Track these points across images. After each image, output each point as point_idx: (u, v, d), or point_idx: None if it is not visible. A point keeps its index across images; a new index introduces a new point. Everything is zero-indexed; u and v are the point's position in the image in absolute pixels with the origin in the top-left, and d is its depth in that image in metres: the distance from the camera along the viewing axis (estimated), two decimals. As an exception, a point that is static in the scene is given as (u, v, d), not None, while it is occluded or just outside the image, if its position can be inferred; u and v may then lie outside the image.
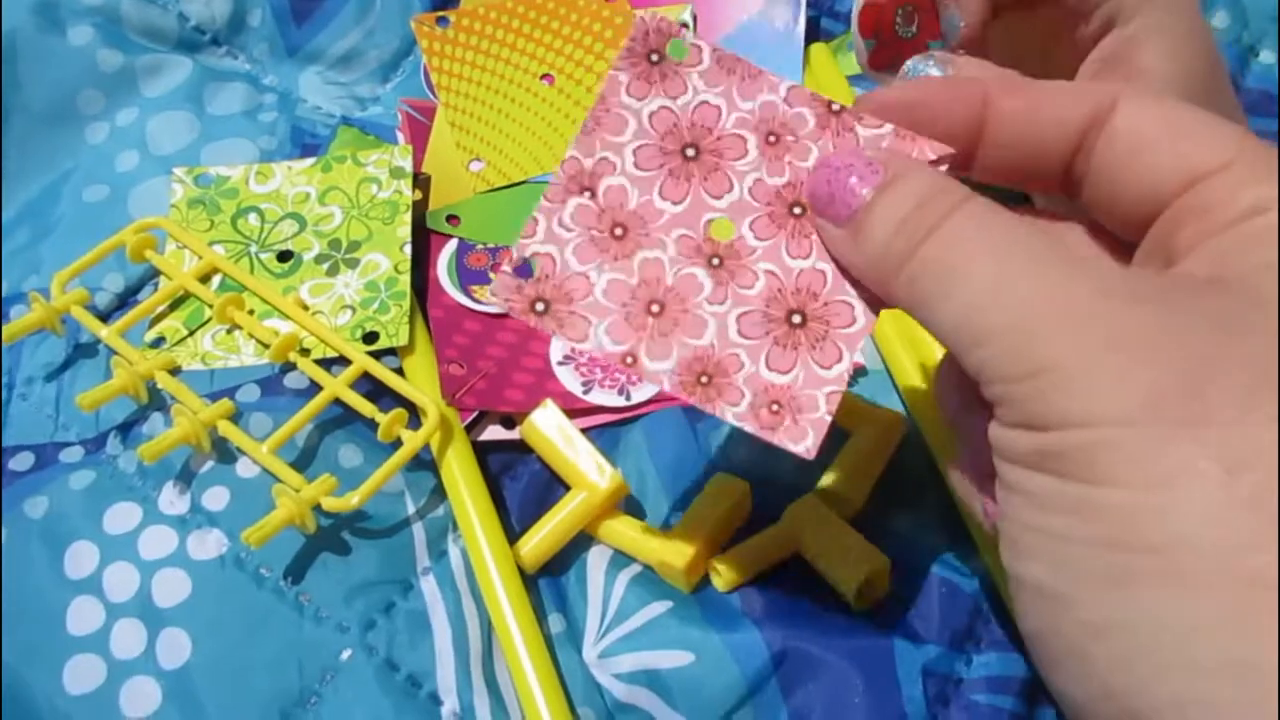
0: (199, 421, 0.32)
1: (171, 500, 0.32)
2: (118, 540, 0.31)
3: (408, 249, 0.36)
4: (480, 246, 0.38)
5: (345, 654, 0.30)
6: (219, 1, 0.43)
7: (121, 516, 0.32)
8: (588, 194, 0.25)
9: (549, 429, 0.32)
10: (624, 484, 0.31)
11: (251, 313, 0.35)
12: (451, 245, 0.38)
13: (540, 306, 0.25)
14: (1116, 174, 0.22)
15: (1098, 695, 0.19)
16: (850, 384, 0.35)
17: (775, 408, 0.25)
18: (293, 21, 0.43)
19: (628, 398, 0.34)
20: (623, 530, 0.32)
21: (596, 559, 0.32)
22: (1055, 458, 0.19)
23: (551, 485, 0.33)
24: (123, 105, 0.41)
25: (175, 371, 0.34)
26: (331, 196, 0.38)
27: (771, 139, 0.25)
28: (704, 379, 0.25)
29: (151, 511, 0.32)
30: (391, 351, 0.35)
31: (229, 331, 0.35)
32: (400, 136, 0.40)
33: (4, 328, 0.34)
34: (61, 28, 0.42)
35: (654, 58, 0.25)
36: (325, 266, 0.36)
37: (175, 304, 0.36)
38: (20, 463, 0.33)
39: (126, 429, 0.34)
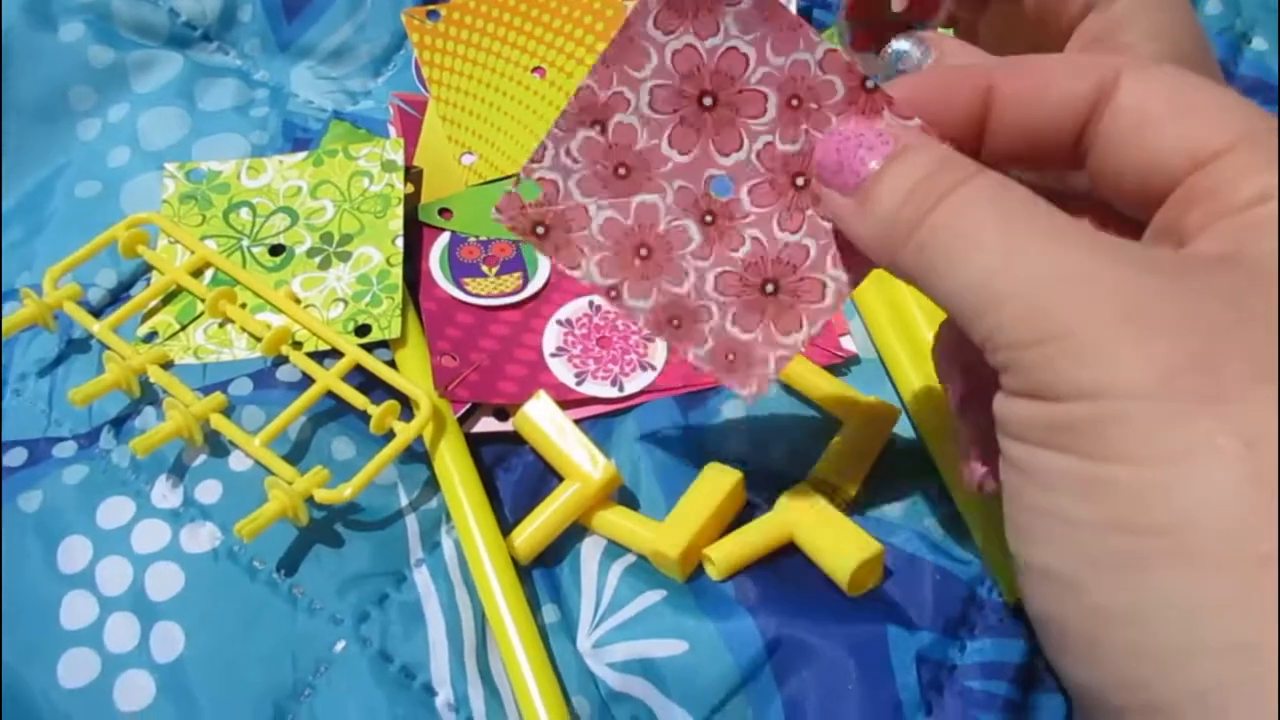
0: (191, 415, 0.32)
1: (164, 494, 0.32)
2: (111, 534, 0.31)
3: (399, 242, 0.36)
4: (473, 239, 0.38)
5: (339, 646, 0.30)
6: (210, -3, 0.43)
7: (114, 510, 0.32)
8: (598, 128, 0.25)
9: (542, 420, 0.32)
10: (617, 474, 0.31)
11: (244, 306, 0.35)
12: (444, 238, 0.38)
13: (540, 230, 0.26)
14: (1121, 152, 0.22)
15: (1111, 684, 0.18)
16: (843, 372, 0.35)
17: (731, 357, 0.27)
18: (284, 16, 0.43)
19: (620, 389, 0.34)
20: (616, 520, 0.32)
21: (590, 549, 0.32)
22: (1063, 431, 0.19)
23: (545, 476, 0.33)
24: (114, 101, 0.41)
25: (168, 366, 0.34)
26: (323, 190, 0.38)
27: (794, 102, 0.24)
28: (675, 322, 0.27)
29: (144, 505, 0.32)
30: (384, 344, 0.35)
31: (221, 325, 0.35)
32: (392, 130, 0.40)
33: (-4, 324, 0.35)
34: (53, 24, 0.42)
35: None
36: (317, 260, 0.36)
37: (167, 299, 0.36)
38: (13, 458, 0.33)
39: (119, 423, 0.34)
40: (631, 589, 0.31)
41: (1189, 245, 0.21)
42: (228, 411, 0.33)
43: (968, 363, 0.26)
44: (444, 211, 0.38)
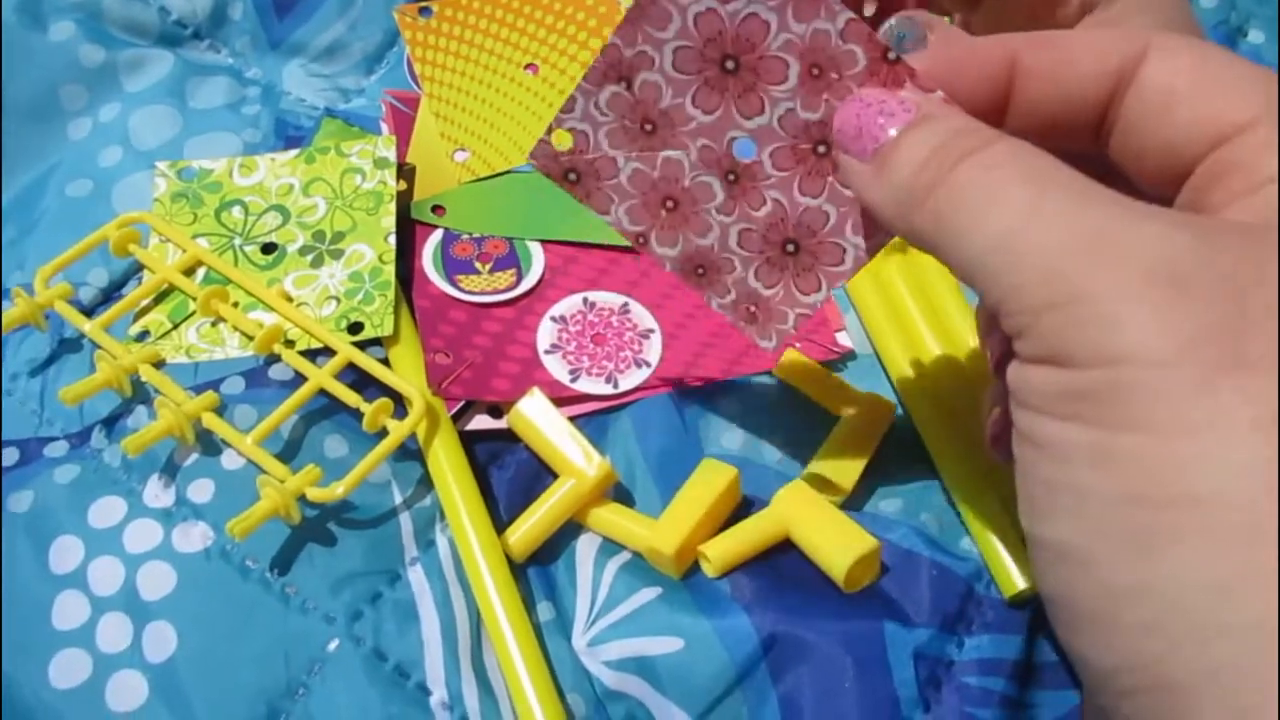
0: (183, 414, 0.32)
1: (156, 493, 0.32)
2: (103, 534, 0.31)
3: (392, 239, 0.36)
4: (466, 236, 0.38)
5: (332, 645, 0.30)
6: (201, -5, 0.43)
7: (106, 510, 0.31)
8: (624, 84, 0.26)
9: (536, 417, 0.32)
10: (612, 472, 0.31)
11: (236, 305, 0.35)
12: (437, 235, 0.37)
13: (572, 176, 0.28)
14: (1144, 130, 0.22)
15: (1122, 663, 0.18)
16: (839, 368, 0.35)
17: (752, 309, 0.28)
18: (275, 14, 0.43)
19: (615, 385, 0.34)
20: (611, 518, 0.31)
21: (585, 547, 0.32)
22: (1079, 399, 0.18)
23: (539, 474, 0.33)
24: (105, 100, 0.41)
25: (159, 365, 0.34)
26: (315, 188, 0.37)
27: (815, 71, 0.24)
28: (700, 270, 0.28)
29: (136, 505, 0.32)
30: (377, 342, 0.35)
31: (213, 324, 0.35)
32: (384, 127, 0.40)
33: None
34: (43, 23, 0.41)
35: None
36: (309, 258, 0.36)
37: (159, 298, 0.36)
38: (5, 458, 0.33)
39: (111, 423, 0.34)
40: (627, 586, 0.30)
41: (1221, 216, 0.20)
42: (220, 410, 0.33)
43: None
44: (437, 208, 0.38)
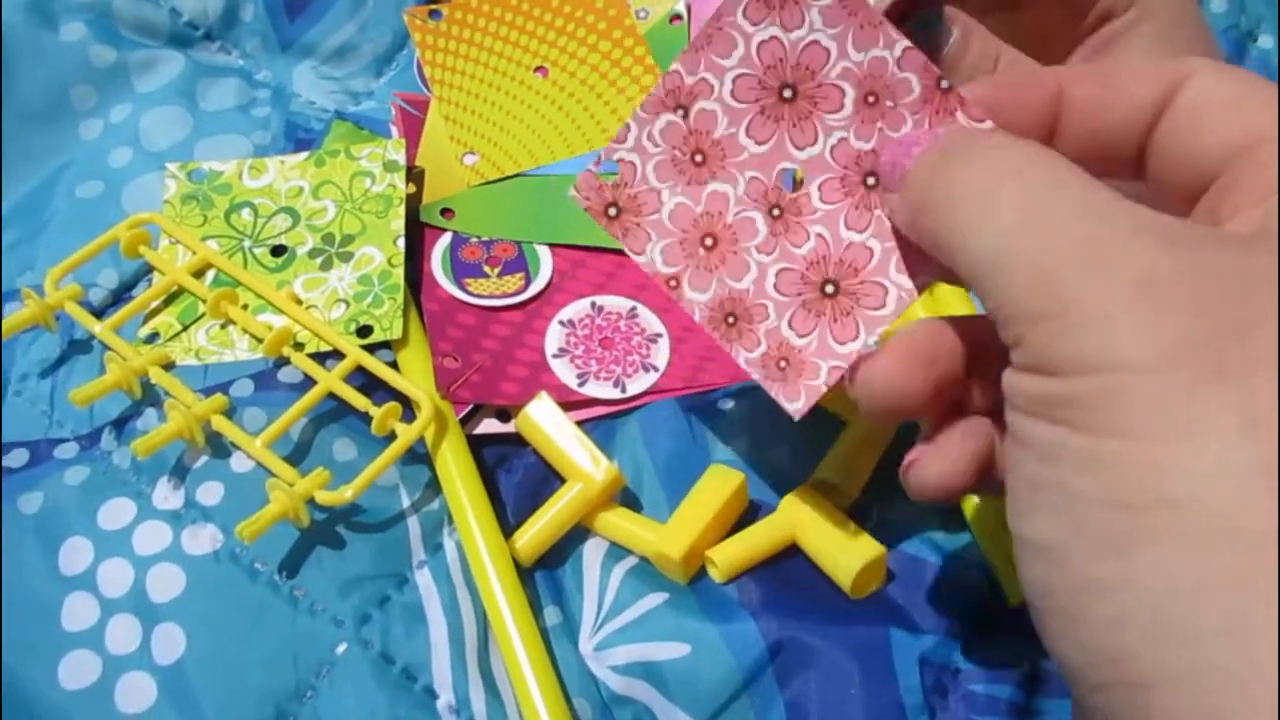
0: (193, 416, 0.32)
1: (166, 495, 0.32)
2: (112, 536, 0.31)
3: (401, 242, 0.36)
4: (474, 239, 0.38)
5: (340, 648, 0.30)
6: (212, -4, 0.43)
7: (116, 512, 0.32)
8: (680, 112, 0.26)
9: (544, 421, 0.32)
10: (620, 476, 0.31)
11: (245, 307, 0.35)
12: (446, 238, 0.38)
13: (613, 211, 0.27)
14: (1173, 145, 0.22)
15: (1095, 659, 0.18)
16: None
17: (782, 364, 0.27)
18: (285, 16, 0.43)
19: (623, 390, 0.34)
20: (619, 522, 0.31)
21: (592, 551, 0.32)
22: (1068, 404, 0.18)
23: (547, 478, 0.33)
24: (116, 101, 0.41)
25: (169, 367, 0.34)
26: (325, 191, 0.38)
27: (870, 99, 0.24)
28: (730, 319, 0.27)
29: (146, 507, 0.32)
30: (385, 345, 0.35)
31: (223, 326, 0.35)
32: (394, 130, 0.40)
33: (-2, 325, 0.34)
34: (54, 24, 0.41)
35: None
36: (319, 261, 0.36)
37: (169, 299, 0.36)
38: (15, 459, 0.33)
39: (121, 424, 0.34)
40: (634, 591, 0.30)
41: (1223, 226, 0.21)
42: (229, 413, 0.33)
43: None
44: (446, 211, 0.38)
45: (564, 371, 0.35)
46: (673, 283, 0.27)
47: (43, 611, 0.30)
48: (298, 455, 0.33)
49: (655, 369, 0.35)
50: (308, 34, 0.43)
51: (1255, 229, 0.20)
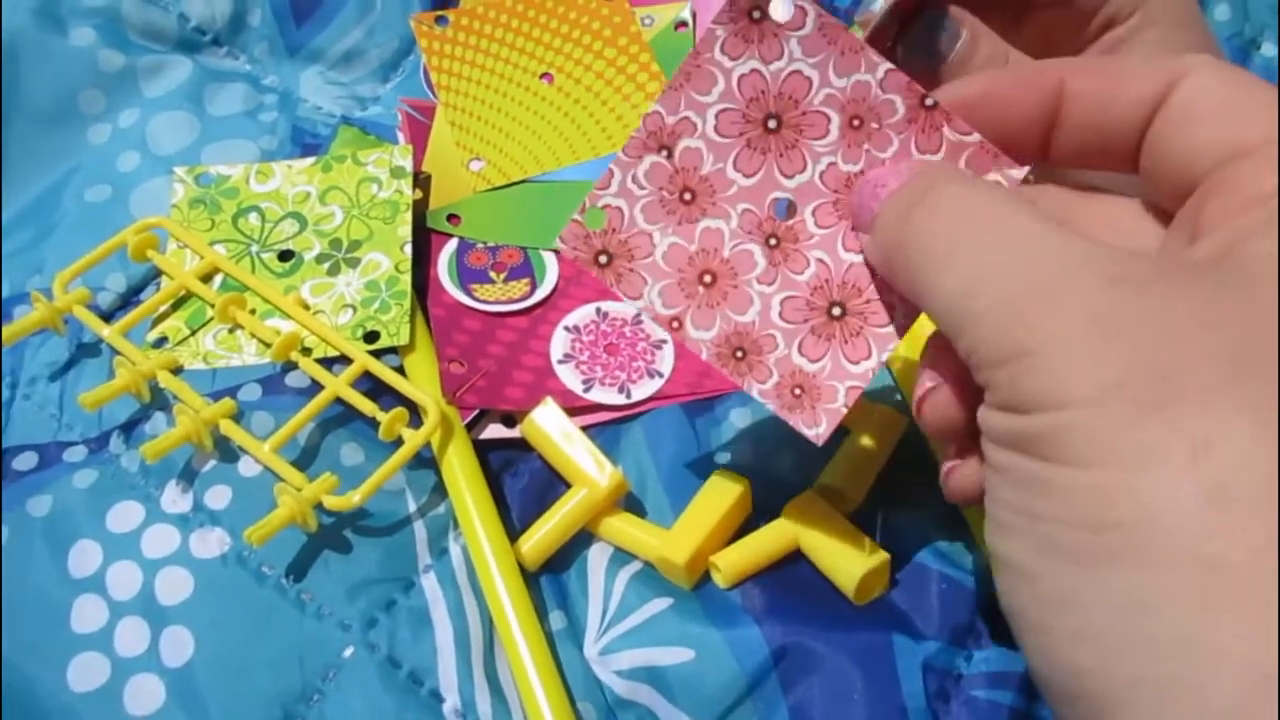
0: (201, 420, 0.32)
1: (174, 499, 0.32)
2: (121, 539, 0.31)
3: (408, 248, 0.36)
4: (480, 245, 0.38)
5: (347, 651, 0.30)
6: (219, 2, 0.43)
7: (124, 515, 0.32)
8: (664, 152, 0.25)
9: (549, 427, 0.32)
10: (624, 481, 0.32)
11: (253, 312, 0.35)
12: (452, 244, 0.38)
13: (604, 259, 0.26)
14: (1165, 145, 0.22)
15: (1060, 672, 0.19)
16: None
17: (798, 392, 0.26)
18: (293, 21, 0.43)
19: (628, 396, 0.34)
20: (623, 527, 0.32)
21: (597, 556, 0.32)
22: (1031, 440, 0.20)
23: (552, 483, 0.33)
24: (124, 105, 0.41)
25: (177, 371, 0.34)
26: (332, 196, 0.38)
27: (856, 123, 0.25)
28: (739, 354, 0.26)
29: (154, 510, 0.32)
30: (392, 350, 0.35)
31: (231, 331, 0.35)
32: (400, 136, 0.41)
33: (7, 327, 0.35)
34: (63, 28, 0.42)
35: (755, 14, 0.24)
36: (326, 266, 0.36)
37: (177, 304, 0.36)
38: (24, 462, 0.33)
39: (129, 428, 0.34)
40: (638, 596, 0.31)
41: (1197, 241, 0.21)
42: (237, 417, 0.33)
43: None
44: (452, 217, 0.38)
45: (569, 377, 0.35)
46: (675, 324, 0.26)
47: (52, 613, 0.30)
48: (305, 460, 0.33)
49: (660, 375, 0.35)
50: (315, 39, 0.43)
51: (1216, 253, 0.20)
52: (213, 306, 0.35)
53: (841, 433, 0.33)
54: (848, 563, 0.30)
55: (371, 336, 0.34)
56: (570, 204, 0.39)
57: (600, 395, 0.34)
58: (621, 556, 0.32)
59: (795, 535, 0.31)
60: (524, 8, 0.43)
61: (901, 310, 0.26)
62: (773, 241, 0.26)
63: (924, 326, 0.35)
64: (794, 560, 0.31)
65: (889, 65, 0.24)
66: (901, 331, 0.26)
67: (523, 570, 0.31)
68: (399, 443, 0.32)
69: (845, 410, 0.26)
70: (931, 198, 0.22)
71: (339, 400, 0.33)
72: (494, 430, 0.34)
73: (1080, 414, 0.19)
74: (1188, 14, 0.30)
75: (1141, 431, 0.18)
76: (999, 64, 0.27)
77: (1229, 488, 0.17)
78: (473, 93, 0.41)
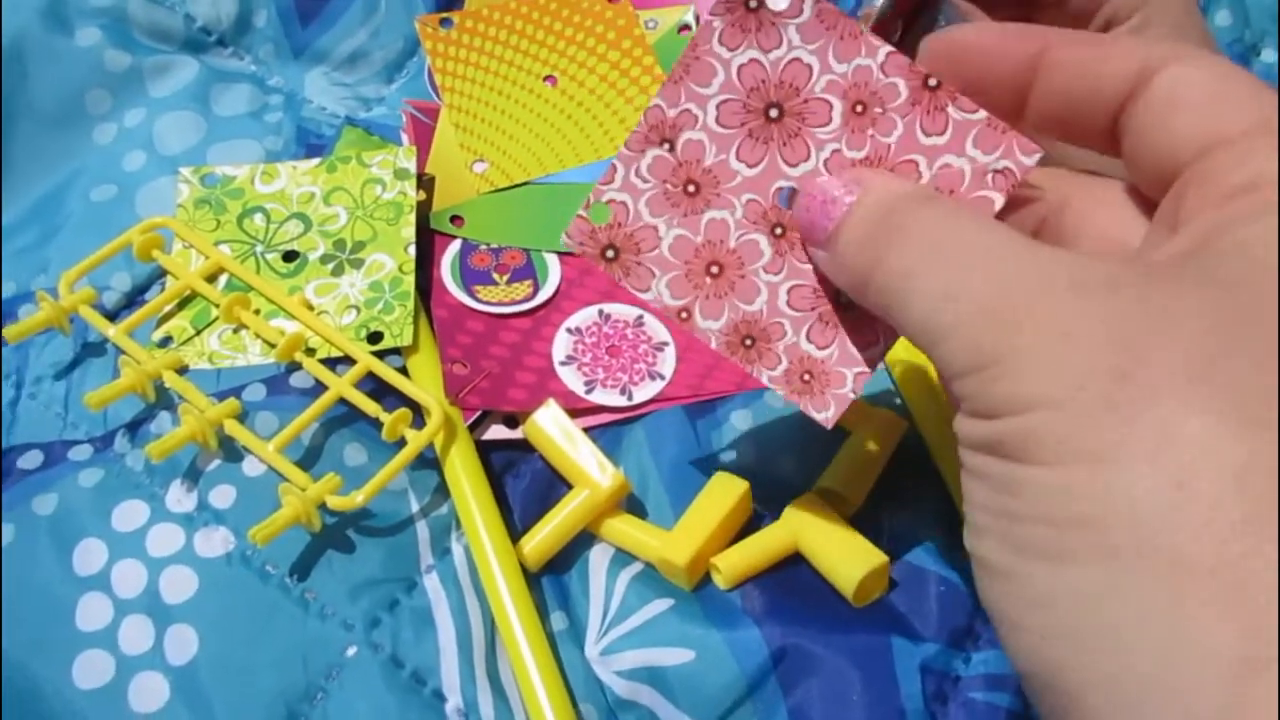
0: (206, 420, 0.32)
1: (179, 498, 0.32)
2: (126, 537, 0.32)
3: (412, 250, 0.36)
4: (484, 247, 0.38)
5: (350, 651, 0.30)
6: (225, 2, 0.43)
7: (129, 514, 0.32)
8: (666, 146, 0.25)
9: (551, 428, 0.33)
10: (626, 483, 0.32)
11: (258, 312, 0.35)
12: (455, 245, 0.38)
13: (610, 253, 0.26)
14: (1147, 132, 0.22)
15: (1031, 669, 0.20)
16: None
17: (807, 378, 0.27)
18: (298, 22, 0.44)
19: (630, 398, 0.35)
20: (624, 529, 0.32)
21: (598, 557, 0.32)
22: (1000, 444, 0.20)
23: (554, 484, 0.33)
24: (130, 105, 0.41)
25: (182, 370, 0.34)
26: (336, 197, 0.38)
27: (859, 108, 0.25)
28: (748, 342, 0.27)
29: (159, 509, 0.32)
30: (396, 351, 0.35)
31: (235, 331, 0.35)
32: (404, 137, 0.41)
33: (13, 326, 0.35)
34: (69, 28, 0.42)
35: (752, 3, 0.24)
36: (330, 267, 0.36)
37: (182, 303, 0.36)
38: (29, 461, 0.34)
39: (134, 427, 0.34)
40: (639, 597, 0.31)
41: (1176, 233, 0.21)
42: (242, 417, 0.33)
43: None
44: (456, 219, 0.39)
45: (571, 379, 0.35)
46: (684, 314, 0.27)
47: (57, 611, 0.30)
48: (309, 459, 0.33)
49: (661, 377, 0.35)
50: (320, 40, 0.44)
51: (1190, 246, 0.20)
52: (217, 306, 0.35)
53: (842, 435, 0.34)
54: (847, 565, 0.30)
55: (375, 337, 0.35)
56: (573, 206, 0.39)
57: (602, 397, 0.35)
58: (623, 557, 0.32)
59: (795, 537, 0.31)
60: (528, 10, 0.43)
61: None
62: (778, 231, 0.26)
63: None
64: (794, 562, 0.31)
65: (889, 48, 0.24)
66: None
67: (524, 571, 0.31)
68: (402, 443, 0.32)
69: (854, 396, 0.26)
70: (894, 221, 0.23)
71: (343, 401, 0.33)
72: (496, 431, 0.34)
73: (1044, 416, 0.19)
74: (1187, 16, 0.30)
75: (1102, 429, 0.19)
76: None
77: (1191, 480, 0.18)
78: (477, 94, 0.41)
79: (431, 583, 0.32)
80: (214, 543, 0.31)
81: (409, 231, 0.37)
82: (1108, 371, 0.19)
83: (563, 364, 0.35)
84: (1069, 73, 0.23)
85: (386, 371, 0.33)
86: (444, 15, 0.43)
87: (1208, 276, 0.20)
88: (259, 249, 0.37)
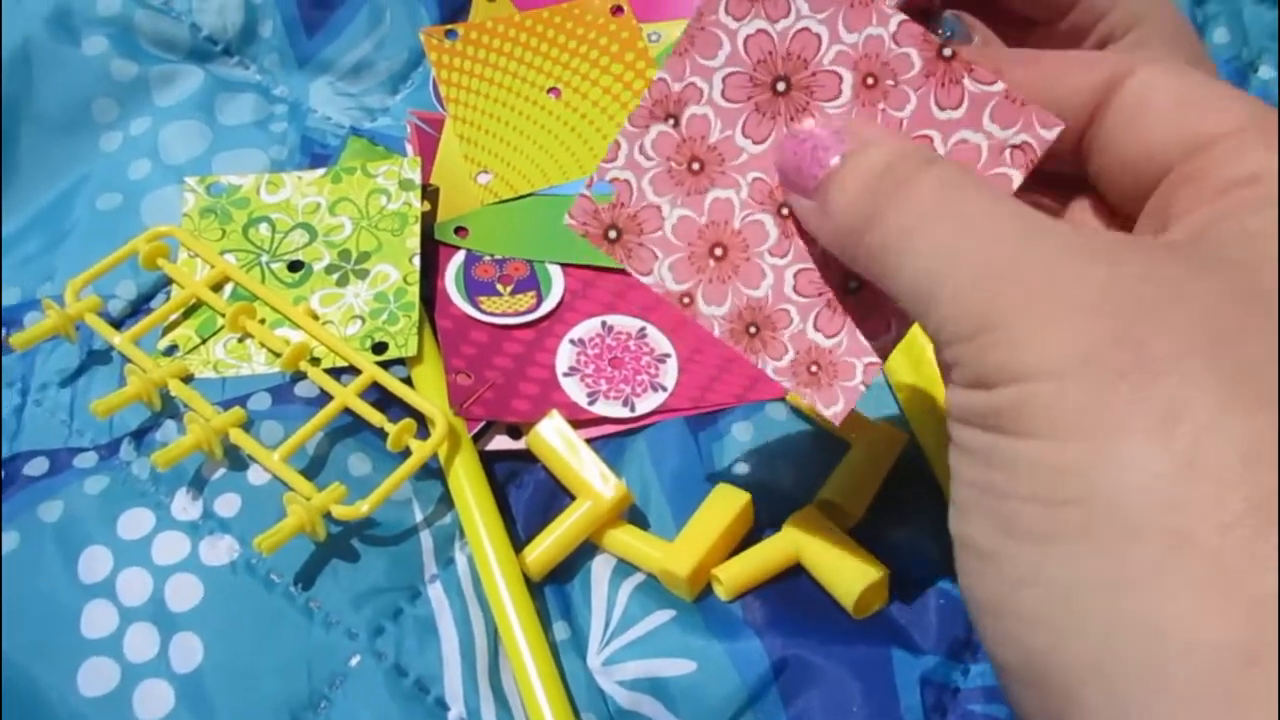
0: (211, 429, 0.32)
1: (184, 506, 0.32)
2: (131, 545, 0.32)
3: (416, 260, 0.37)
4: (488, 258, 0.38)
5: (354, 659, 0.30)
6: (231, 12, 0.43)
7: (135, 522, 0.32)
8: (671, 121, 0.25)
9: (554, 439, 0.33)
10: (628, 493, 0.32)
11: (263, 322, 0.36)
12: (459, 256, 0.38)
13: (613, 234, 0.26)
14: (1123, 139, 0.22)
15: (1016, 656, 0.19)
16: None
17: (815, 369, 0.25)
18: (303, 32, 0.44)
19: (632, 409, 0.35)
20: (627, 539, 0.32)
21: (601, 567, 0.32)
22: (995, 414, 0.19)
23: (557, 494, 0.34)
24: (136, 114, 0.42)
25: (188, 379, 0.35)
26: (341, 207, 0.38)
27: (870, 81, 0.24)
28: (752, 329, 0.25)
29: (164, 517, 0.32)
30: (400, 361, 0.35)
31: (241, 340, 0.36)
32: (409, 148, 0.41)
33: (19, 334, 0.35)
34: (76, 37, 0.42)
35: None
36: (335, 277, 0.37)
37: (188, 312, 0.36)
38: (35, 468, 0.34)
39: (140, 435, 0.34)
40: (641, 608, 0.31)
41: (1169, 229, 0.21)
42: (247, 426, 0.33)
43: None
44: (460, 230, 0.39)
45: (574, 390, 0.35)
46: (686, 299, 0.26)
47: (62, 618, 0.31)
48: (314, 469, 0.33)
49: (664, 389, 0.35)
50: (325, 50, 0.44)
51: (1193, 234, 0.20)
52: (223, 316, 0.36)
53: (842, 448, 0.34)
54: (847, 577, 0.30)
55: (380, 348, 0.35)
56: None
57: (604, 408, 0.35)
58: (625, 568, 0.32)
59: (796, 549, 0.31)
60: (532, 23, 0.43)
61: None
62: (785, 211, 0.25)
63: (924, 345, 0.36)
64: (795, 574, 0.32)
65: (902, 16, 0.23)
66: None
67: (527, 581, 0.32)
68: (406, 453, 0.32)
69: (863, 388, 0.25)
70: (897, 174, 0.22)
71: (347, 410, 0.34)
72: (500, 442, 0.34)
73: (1044, 385, 0.18)
74: (1182, 33, 0.31)
75: (1106, 402, 0.18)
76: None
77: (1200, 458, 0.17)
78: (481, 106, 0.42)
79: (435, 592, 0.32)
80: (219, 551, 0.32)
81: (414, 242, 0.37)
82: (1114, 341, 0.18)
83: (566, 375, 0.36)
84: (1027, 94, 0.23)
85: (391, 382, 0.34)
86: (449, 27, 0.43)
87: (1215, 258, 0.19)
88: (264, 258, 0.37)
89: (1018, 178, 0.23)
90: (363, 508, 0.31)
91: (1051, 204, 0.25)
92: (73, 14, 0.42)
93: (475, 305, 0.37)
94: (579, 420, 0.34)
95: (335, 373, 0.34)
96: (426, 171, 0.40)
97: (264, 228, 0.38)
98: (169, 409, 0.35)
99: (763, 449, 0.34)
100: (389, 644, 0.31)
